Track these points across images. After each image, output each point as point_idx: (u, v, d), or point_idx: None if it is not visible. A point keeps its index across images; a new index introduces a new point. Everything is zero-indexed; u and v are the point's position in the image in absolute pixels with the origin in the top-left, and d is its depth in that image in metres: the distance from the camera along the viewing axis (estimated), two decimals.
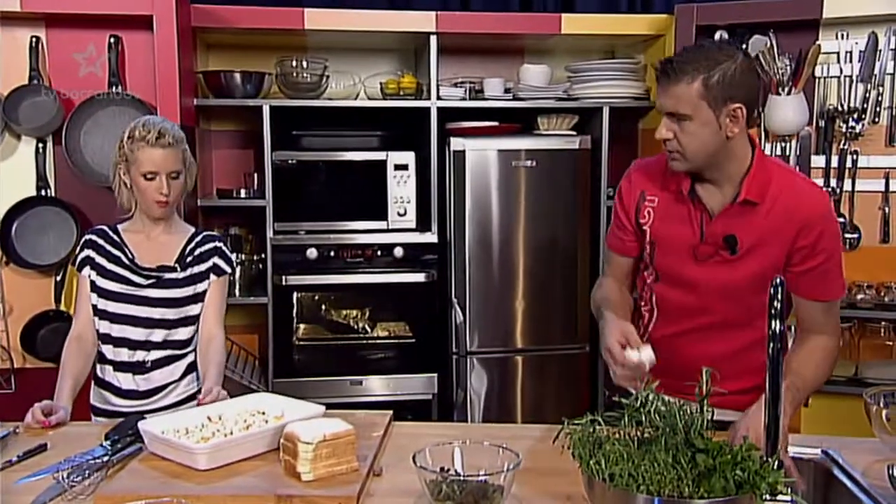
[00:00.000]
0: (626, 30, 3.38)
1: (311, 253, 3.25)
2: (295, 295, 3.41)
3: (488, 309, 3.38)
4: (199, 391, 2.20)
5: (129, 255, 2.18)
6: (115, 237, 2.21)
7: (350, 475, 1.55)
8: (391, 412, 1.97)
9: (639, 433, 1.32)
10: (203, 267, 2.22)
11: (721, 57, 1.74)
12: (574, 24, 3.34)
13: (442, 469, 1.46)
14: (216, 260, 2.24)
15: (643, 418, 1.31)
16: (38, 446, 1.79)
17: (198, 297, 2.22)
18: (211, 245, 2.25)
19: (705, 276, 1.89)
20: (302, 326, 3.62)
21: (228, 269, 2.27)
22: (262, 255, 3.34)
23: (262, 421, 1.79)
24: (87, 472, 1.58)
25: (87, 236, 2.23)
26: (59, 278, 3.11)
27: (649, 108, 3.50)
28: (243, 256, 3.43)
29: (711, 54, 1.75)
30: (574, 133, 3.47)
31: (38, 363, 3.10)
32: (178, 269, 2.19)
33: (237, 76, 3.22)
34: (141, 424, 1.70)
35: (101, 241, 2.20)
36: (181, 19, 2.95)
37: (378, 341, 3.54)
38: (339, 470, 1.56)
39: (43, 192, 3.09)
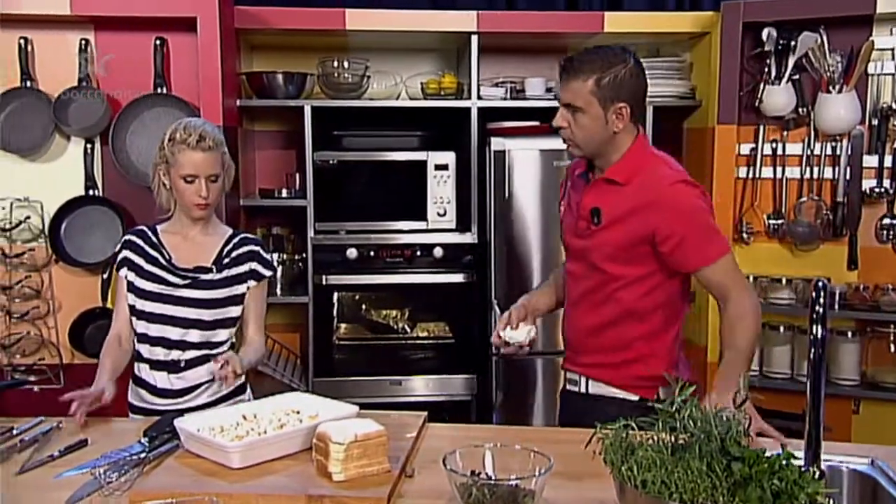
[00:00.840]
0: (670, 28, 3.32)
1: (352, 253, 3.26)
2: (335, 294, 3.43)
3: None
4: (233, 391, 2.23)
5: (167, 256, 2.20)
6: (154, 238, 2.24)
7: (381, 476, 1.55)
8: (425, 413, 1.96)
9: (672, 439, 1.29)
10: (240, 270, 2.23)
11: (614, 60, 1.97)
12: (617, 22, 3.29)
13: (473, 472, 1.45)
14: (254, 265, 2.24)
15: (677, 424, 1.28)
16: (78, 441, 1.82)
17: (235, 300, 2.22)
18: (248, 248, 2.25)
19: (581, 248, 2.10)
20: (343, 326, 3.64)
21: (268, 273, 2.27)
22: (304, 255, 3.36)
23: (297, 420, 1.79)
24: (123, 468, 1.60)
25: (126, 237, 2.26)
26: (105, 276, 3.17)
27: (695, 108, 3.44)
28: (285, 256, 3.45)
29: (606, 57, 1.98)
30: None
31: (86, 359, 3.16)
32: (215, 270, 2.20)
33: (279, 77, 3.25)
34: (177, 422, 1.72)
35: (139, 242, 2.23)
36: (224, 21, 2.98)
37: (417, 342, 3.54)
38: (371, 471, 1.55)
39: (91, 192, 3.15)
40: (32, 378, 3.19)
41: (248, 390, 2.30)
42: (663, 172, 2.04)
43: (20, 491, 1.59)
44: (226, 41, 3.00)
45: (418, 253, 3.30)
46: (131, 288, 2.19)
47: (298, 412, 1.84)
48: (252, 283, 2.24)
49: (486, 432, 1.90)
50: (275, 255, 3.43)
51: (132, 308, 2.19)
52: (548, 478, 1.40)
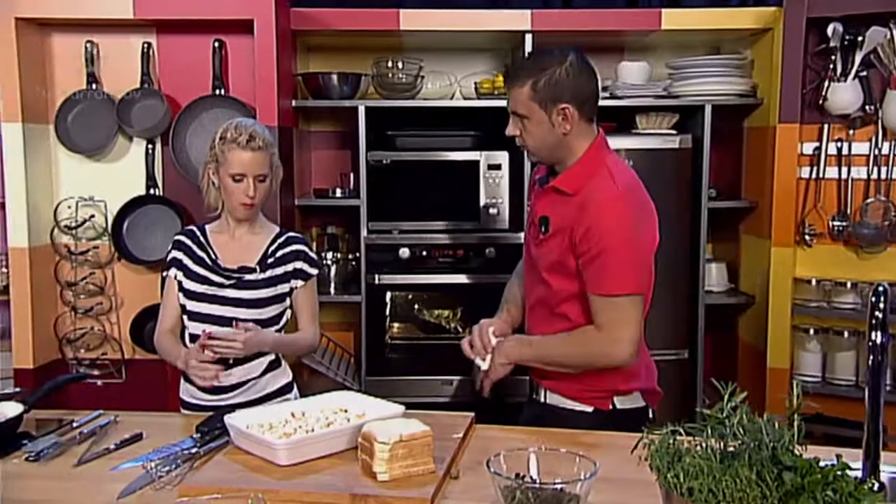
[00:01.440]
0: (731, 24, 3.24)
1: (404, 252, 3.27)
2: (388, 294, 3.44)
3: None
4: (280, 388, 2.28)
5: (213, 256, 2.24)
6: (202, 238, 2.27)
7: (426, 477, 1.55)
8: (473, 414, 1.95)
9: (721, 447, 1.25)
10: (285, 269, 2.25)
11: (549, 62, 1.93)
12: (675, 19, 3.23)
13: (517, 475, 1.43)
14: (300, 264, 2.26)
15: (727, 431, 1.24)
16: (133, 435, 1.86)
17: (279, 299, 2.24)
18: (294, 247, 2.27)
19: (535, 256, 2.08)
20: (395, 325, 3.65)
21: (314, 272, 2.29)
22: (357, 254, 3.38)
23: (344, 419, 1.80)
24: (174, 463, 1.63)
25: (176, 237, 2.30)
26: (164, 274, 3.24)
27: (756, 106, 3.36)
28: (339, 255, 3.48)
29: (542, 60, 1.95)
30: (674, 132, 3.36)
31: (146, 354, 3.24)
32: (258, 270, 2.22)
33: (334, 77, 3.28)
34: (227, 418, 1.75)
35: (188, 243, 2.27)
36: (280, 23, 3.02)
37: None
38: (416, 471, 1.55)
39: (151, 191, 3.23)
40: (96, 372, 3.29)
41: (295, 388, 2.33)
42: (604, 184, 1.94)
43: (77, 482, 1.64)
44: (281, 43, 3.04)
45: (470, 253, 3.30)
46: (181, 288, 2.23)
47: (346, 411, 1.85)
48: (298, 282, 2.26)
49: (534, 434, 1.87)
50: (329, 255, 3.46)
51: (183, 308, 2.24)
52: (593, 482, 1.37)
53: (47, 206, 3.23)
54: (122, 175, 3.24)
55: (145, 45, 3.18)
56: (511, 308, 2.27)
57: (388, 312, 3.47)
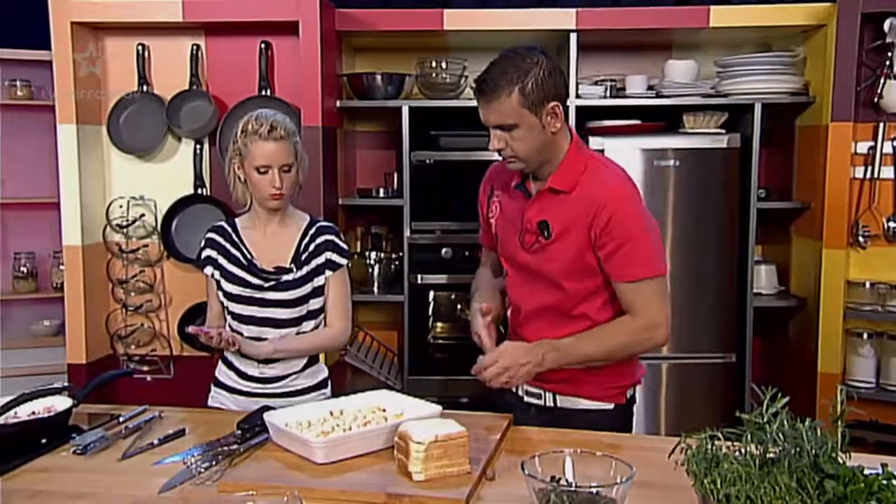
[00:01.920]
0: (781, 21, 3.17)
1: (447, 252, 3.27)
2: (431, 293, 3.44)
3: None
4: (315, 385, 2.28)
5: (248, 256, 2.22)
6: (234, 235, 2.26)
7: (461, 478, 1.54)
8: (511, 416, 1.94)
9: (761, 453, 1.22)
10: (318, 261, 2.23)
11: (528, 64, 1.87)
12: (724, 16, 3.16)
13: (553, 478, 1.42)
14: (329, 255, 2.24)
15: (766, 437, 1.21)
16: (177, 431, 1.90)
17: (316, 292, 2.23)
18: (324, 238, 2.25)
19: (532, 263, 2.02)
20: (439, 325, 3.66)
21: (343, 262, 2.26)
22: (401, 254, 3.39)
23: (382, 418, 1.81)
24: (215, 459, 1.65)
25: (208, 234, 2.28)
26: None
27: (807, 104, 3.28)
28: (382, 255, 3.50)
29: (519, 63, 1.87)
30: (723, 131, 3.30)
31: (193, 352, 3.30)
32: (295, 269, 2.21)
33: (378, 78, 3.29)
34: (266, 416, 1.76)
35: (221, 240, 2.25)
36: (325, 24, 3.04)
37: None
38: (451, 472, 1.55)
39: (199, 191, 3.29)
40: (145, 368, 3.36)
41: (329, 385, 2.33)
42: (603, 175, 1.98)
43: (121, 476, 1.67)
44: (326, 44, 3.06)
45: None
46: (220, 287, 2.24)
47: (384, 410, 1.86)
48: (328, 272, 2.24)
49: (572, 436, 1.86)
50: (372, 254, 3.48)
51: (222, 305, 2.25)
52: (629, 487, 1.35)
53: (100, 206, 3.31)
54: (171, 175, 3.31)
55: (194, 48, 3.24)
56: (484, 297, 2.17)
57: (430, 312, 3.47)
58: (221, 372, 2.31)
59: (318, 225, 2.28)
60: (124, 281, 3.33)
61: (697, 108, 3.31)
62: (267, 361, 2.22)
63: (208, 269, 2.26)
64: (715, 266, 3.30)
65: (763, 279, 3.45)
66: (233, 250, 2.24)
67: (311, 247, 2.23)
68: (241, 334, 2.20)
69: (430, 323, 3.48)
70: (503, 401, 2.14)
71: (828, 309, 3.09)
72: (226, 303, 2.24)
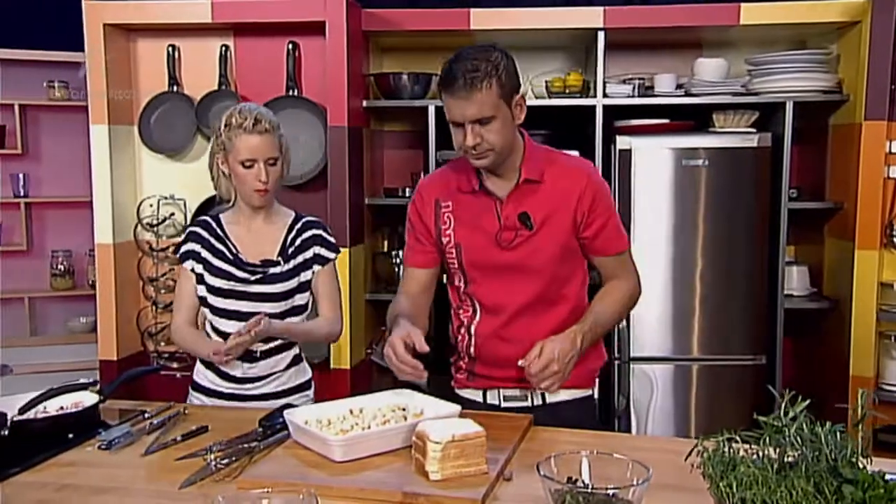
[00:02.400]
0: (813, 18, 3.12)
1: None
2: None
3: (653, 314, 3.25)
4: (302, 384, 2.28)
5: (233, 250, 2.19)
6: (219, 230, 2.21)
7: (478, 478, 1.54)
8: (531, 416, 1.93)
9: (779, 456, 1.20)
10: (305, 256, 2.21)
11: (495, 58, 1.87)
12: (754, 14, 3.12)
13: (569, 479, 1.41)
14: (318, 249, 2.21)
15: (784, 440, 1.19)
16: (200, 427, 1.91)
17: (302, 287, 2.21)
18: (311, 232, 2.22)
19: (513, 259, 2.00)
20: None
21: (332, 256, 2.23)
22: None
23: (402, 417, 1.81)
24: (234, 456, 1.67)
25: (191, 228, 2.25)
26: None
27: (841, 102, 3.22)
28: None
29: (488, 58, 1.86)
30: (753, 130, 3.25)
31: None
32: (282, 262, 2.18)
33: (405, 77, 3.30)
34: (287, 413, 1.78)
35: (205, 234, 2.21)
36: (351, 24, 3.06)
37: None
38: (468, 471, 1.54)
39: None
40: (174, 365, 3.40)
41: (313, 386, 2.31)
42: (571, 161, 2.09)
43: (143, 471, 1.69)
44: (353, 44, 3.08)
45: None
46: (201, 281, 2.19)
47: (404, 409, 1.86)
48: (317, 267, 2.21)
49: (593, 438, 1.84)
50: (398, 253, 3.48)
51: (203, 300, 2.20)
52: (646, 489, 1.34)
53: (131, 205, 3.36)
54: (200, 174, 3.33)
55: (223, 48, 3.27)
56: (411, 319, 2.03)
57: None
58: (199, 373, 2.28)
59: (304, 220, 2.25)
60: (154, 279, 3.38)
61: (728, 106, 3.27)
62: (252, 360, 2.18)
63: (188, 264, 2.21)
64: (745, 267, 3.26)
65: (795, 280, 3.40)
66: (217, 244, 2.20)
67: (298, 241, 2.20)
68: (221, 330, 2.18)
69: None
70: (471, 415, 1.97)
71: (860, 311, 3.03)
72: (208, 297, 2.18)
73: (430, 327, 3.30)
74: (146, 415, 2.03)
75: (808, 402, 1.26)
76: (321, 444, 1.65)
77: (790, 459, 1.19)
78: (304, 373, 2.32)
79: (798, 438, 1.17)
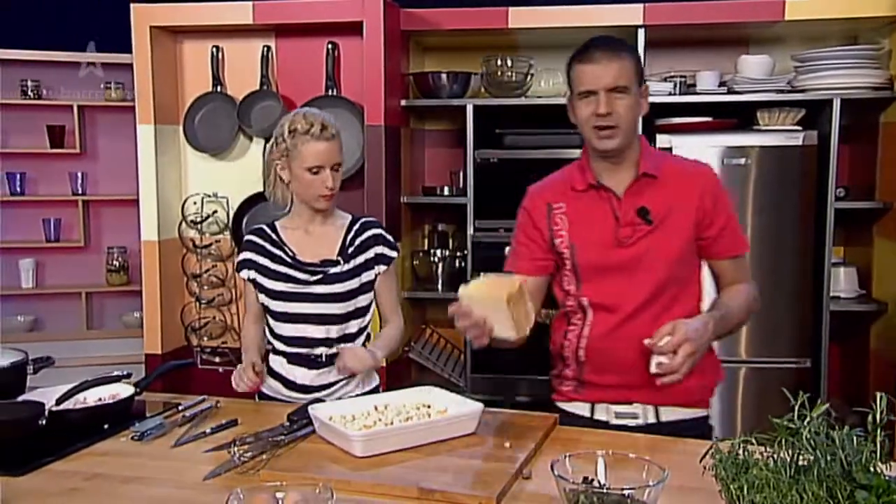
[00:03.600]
0: (861, 13, 3.03)
1: (509, 251, 3.24)
2: None
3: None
4: (370, 391, 2.23)
5: (290, 253, 2.18)
6: (274, 235, 2.21)
7: (494, 476, 1.54)
8: (557, 416, 1.93)
9: (793, 459, 1.18)
10: (367, 256, 2.19)
11: (631, 46, 1.96)
12: (800, 9, 3.05)
13: (585, 479, 1.41)
14: (379, 249, 2.20)
15: (799, 443, 1.17)
16: (230, 421, 1.95)
17: (364, 288, 2.19)
18: (371, 232, 2.21)
19: (632, 256, 1.93)
20: None
21: (393, 255, 2.22)
22: (465, 252, 3.40)
23: (426, 414, 1.82)
24: (259, 449, 1.70)
25: (247, 237, 2.24)
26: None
27: (892, 99, 3.12)
28: (447, 252, 3.52)
29: (622, 40, 1.94)
30: (799, 128, 3.18)
31: None
32: (342, 261, 2.16)
33: (444, 76, 3.31)
34: (311, 409, 1.80)
35: (260, 241, 2.21)
36: (389, 24, 3.08)
37: None
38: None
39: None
40: (217, 359, 3.48)
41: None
42: (689, 160, 2.10)
43: (172, 462, 1.73)
44: (390, 43, 3.10)
45: None
46: (261, 289, 2.18)
47: (429, 406, 1.87)
48: (381, 267, 2.19)
49: (615, 438, 1.83)
50: (437, 252, 3.50)
51: (266, 308, 2.19)
52: (661, 490, 1.32)
53: (176, 203, 3.44)
54: (242, 173, 3.41)
55: (265, 49, 3.33)
56: None
57: None
58: (266, 385, 2.24)
59: (362, 220, 2.24)
60: (198, 275, 3.45)
61: (772, 104, 3.20)
62: (318, 367, 2.18)
63: (244, 273, 2.21)
64: (791, 268, 3.19)
65: (842, 282, 3.31)
66: (274, 250, 2.19)
67: (357, 241, 2.19)
68: (284, 335, 2.19)
69: None
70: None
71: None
72: (268, 303, 2.18)
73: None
74: (180, 407, 2.08)
75: (826, 405, 1.23)
76: (343, 439, 1.67)
77: (805, 463, 1.17)
78: (373, 379, 2.28)
79: (813, 442, 1.15)
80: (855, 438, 1.15)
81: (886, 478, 1.10)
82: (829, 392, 3.30)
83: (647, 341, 1.75)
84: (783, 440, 1.19)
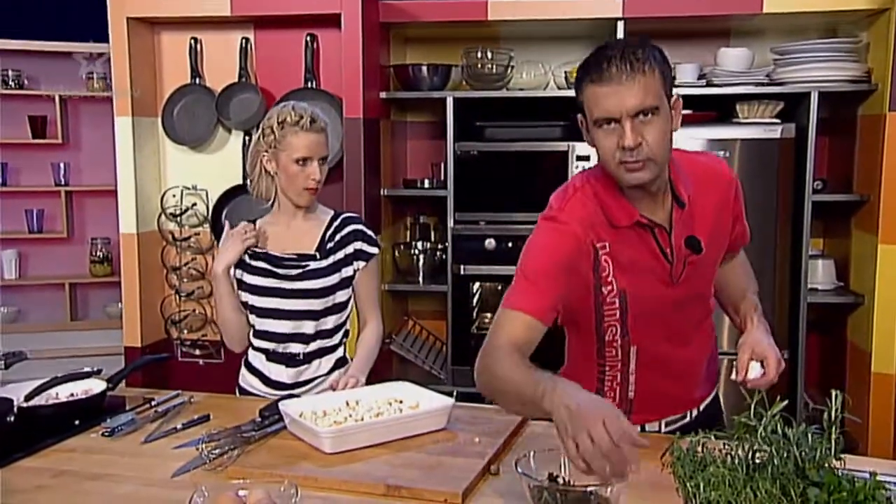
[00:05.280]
0: (838, 6, 3.03)
1: (490, 243, 3.26)
2: (476, 284, 3.45)
3: None
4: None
5: (266, 249, 2.18)
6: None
7: (462, 472, 1.54)
8: None
9: (749, 457, 1.19)
10: (346, 252, 2.18)
11: (651, 48, 1.55)
12: (778, 2, 3.04)
13: (550, 475, 1.41)
14: (359, 244, 2.19)
15: (756, 440, 1.18)
16: (202, 416, 1.95)
17: (343, 284, 2.18)
18: (351, 228, 2.19)
19: (682, 293, 1.72)
20: (488, 315, 3.65)
21: (374, 251, 2.20)
22: (446, 244, 3.40)
23: (397, 409, 1.82)
24: (228, 446, 1.70)
25: (228, 232, 2.22)
26: None
27: (869, 92, 3.13)
28: (428, 245, 3.52)
29: (643, 43, 1.56)
30: (778, 121, 3.18)
31: None
32: (319, 256, 2.16)
33: (424, 69, 3.30)
34: (282, 405, 1.80)
35: None
36: (367, 16, 3.07)
37: (556, 336, 3.48)
38: None
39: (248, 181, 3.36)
40: (197, 352, 3.48)
41: None
42: (703, 161, 1.81)
43: (141, 459, 1.73)
44: (369, 35, 3.09)
45: None
46: (241, 284, 2.18)
47: (401, 401, 1.87)
48: (360, 263, 2.18)
49: None
50: (418, 244, 3.51)
51: (245, 304, 2.19)
52: (625, 487, 1.33)
53: (155, 195, 3.43)
54: (221, 165, 3.40)
55: (244, 41, 3.31)
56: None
57: (475, 303, 3.47)
58: (243, 377, 2.26)
59: (343, 216, 2.23)
60: (177, 268, 3.44)
61: (751, 97, 3.20)
62: (295, 365, 2.18)
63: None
64: (769, 260, 3.19)
65: (820, 274, 3.33)
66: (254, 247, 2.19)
67: (338, 237, 2.18)
68: (265, 330, 2.19)
69: (473, 314, 3.48)
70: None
71: (882, 306, 2.96)
72: (249, 299, 2.18)
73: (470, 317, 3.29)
74: (152, 403, 2.07)
75: (785, 402, 1.24)
76: (312, 435, 1.68)
77: (760, 461, 1.18)
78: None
79: (769, 439, 1.16)
80: (810, 436, 1.16)
81: (840, 473, 1.11)
82: (807, 383, 3.32)
83: (735, 378, 1.64)
84: (738, 437, 1.19)
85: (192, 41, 3.33)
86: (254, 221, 2.26)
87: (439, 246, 3.52)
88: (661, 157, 1.55)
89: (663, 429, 1.86)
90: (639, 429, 1.79)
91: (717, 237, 1.75)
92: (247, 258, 2.19)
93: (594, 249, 1.65)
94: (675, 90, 1.63)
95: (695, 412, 1.91)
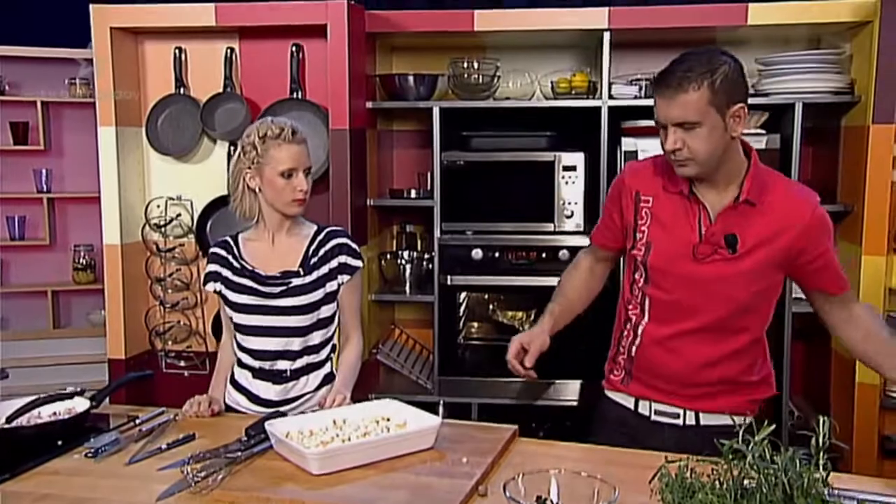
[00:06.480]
0: (823, 18, 3.05)
1: (476, 253, 3.25)
2: (463, 294, 3.44)
3: None
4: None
5: (250, 267, 2.17)
6: (236, 249, 2.21)
7: (450, 494, 1.54)
8: (516, 427, 1.93)
9: (737, 483, 1.19)
10: (330, 266, 2.17)
11: (717, 61, 1.80)
12: (763, 14, 3.06)
13: (538, 498, 1.41)
14: (343, 258, 2.18)
15: (745, 466, 1.18)
16: (187, 436, 1.93)
17: (328, 299, 2.17)
18: (335, 242, 2.19)
19: (703, 275, 1.91)
20: (473, 325, 3.66)
21: (358, 264, 2.20)
22: (432, 254, 3.39)
23: (385, 428, 1.81)
24: (214, 467, 1.68)
25: (212, 250, 2.24)
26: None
27: (853, 104, 3.15)
28: (415, 254, 3.51)
29: (708, 59, 1.80)
30: (763, 131, 3.20)
31: None
32: (302, 272, 2.15)
33: (410, 78, 3.29)
34: (268, 425, 1.78)
35: (224, 254, 2.21)
36: (353, 26, 3.05)
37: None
38: None
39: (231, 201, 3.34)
40: (182, 363, 3.45)
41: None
42: (793, 189, 1.96)
43: (125, 481, 1.71)
44: (355, 45, 3.07)
45: (544, 255, 3.24)
46: (226, 302, 2.19)
47: (388, 420, 1.86)
48: (345, 277, 2.18)
49: (576, 451, 1.83)
50: (405, 254, 3.50)
51: (230, 320, 2.21)
52: None
53: (139, 205, 3.39)
54: (206, 175, 3.37)
55: (229, 51, 3.29)
56: (558, 309, 2.18)
57: (461, 313, 3.47)
58: (229, 395, 2.26)
59: (327, 230, 2.23)
60: (162, 279, 3.41)
61: None
62: (282, 382, 2.17)
63: (210, 286, 2.22)
64: None
65: None
66: (236, 263, 2.20)
67: (322, 251, 2.17)
68: (249, 347, 2.19)
69: (460, 324, 3.47)
70: (619, 419, 2.08)
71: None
72: (233, 316, 2.18)
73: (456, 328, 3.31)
74: (137, 421, 2.05)
75: (772, 427, 1.24)
76: (299, 456, 1.67)
77: (749, 486, 1.18)
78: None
79: (750, 467, 1.16)
80: (798, 461, 1.16)
81: (829, 494, 1.11)
82: (793, 391, 3.34)
83: None
84: (728, 463, 1.19)
85: (177, 51, 3.31)
86: (236, 237, 2.25)
87: (426, 255, 3.51)
88: (703, 159, 1.82)
89: (653, 416, 2.02)
90: (633, 402, 2.06)
91: (762, 257, 1.88)
92: (230, 275, 2.18)
93: (637, 198, 2.00)
94: (741, 100, 1.84)
95: (691, 418, 1.98)
